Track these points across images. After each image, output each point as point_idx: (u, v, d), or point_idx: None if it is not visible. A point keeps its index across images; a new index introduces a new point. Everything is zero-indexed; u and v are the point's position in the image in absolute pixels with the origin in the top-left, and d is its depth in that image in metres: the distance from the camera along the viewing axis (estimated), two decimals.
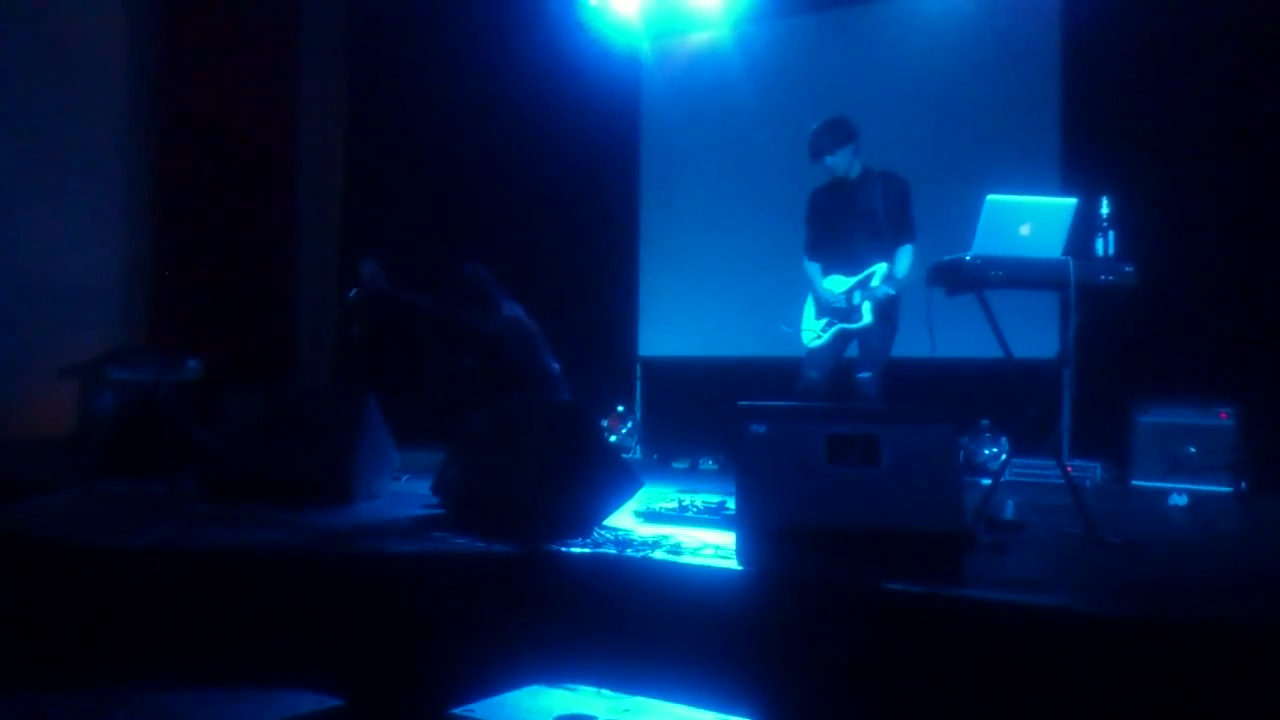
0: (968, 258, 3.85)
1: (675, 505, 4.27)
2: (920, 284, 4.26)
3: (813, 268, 5.42)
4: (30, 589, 3.69)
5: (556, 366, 5.99)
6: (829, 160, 5.18)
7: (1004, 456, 4.26)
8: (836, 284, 5.29)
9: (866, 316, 5.14)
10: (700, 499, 4.43)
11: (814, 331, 5.36)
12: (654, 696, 3.06)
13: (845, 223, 5.27)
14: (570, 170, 8.12)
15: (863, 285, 5.18)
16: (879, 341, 5.20)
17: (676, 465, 6.98)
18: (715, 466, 6.78)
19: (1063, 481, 4.11)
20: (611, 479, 3.99)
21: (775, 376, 5.53)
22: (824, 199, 5.40)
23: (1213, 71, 5.94)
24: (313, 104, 9.39)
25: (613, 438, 7.52)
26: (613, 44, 8.10)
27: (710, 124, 7.78)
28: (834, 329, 5.26)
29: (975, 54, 6.82)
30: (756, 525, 3.23)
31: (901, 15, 7.17)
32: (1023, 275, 3.89)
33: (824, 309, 5.32)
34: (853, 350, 5.31)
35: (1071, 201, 3.96)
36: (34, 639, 3.52)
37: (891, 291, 5.08)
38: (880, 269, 5.16)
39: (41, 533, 3.91)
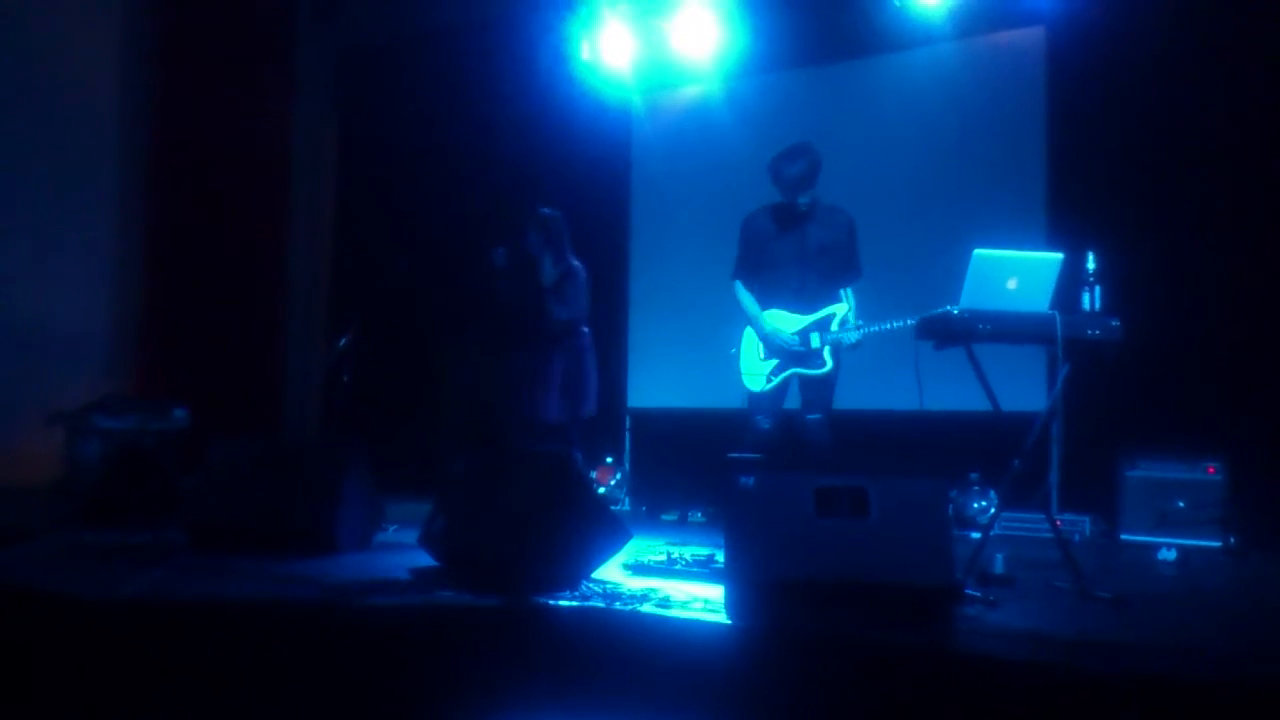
0: (955, 311, 3.86)
1: (664, 558, 4.25)
2: (904, 334, 4.27)
3: (748, 298, 5.16)
4: (10, 638, 3.64)
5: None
6: (802, 198, 4.99)
7: (993, 510, 4.25)
8: (783, 321, 5.06)
9: (829, 362, 4.97)
10: (689, 552, 4.41)
11: (762, 374, 5.08)
12: None
13: (796, 257, 5.05)
14: None
15: (821, 327, 4.99)
16: (829, 386, 5.03)
17: (665, 518, 6.96)
18: (704, 519, 6.75)
19: (1052, 535, 4.10)
20: (600, 531, 3.97)
21: None
22: (769, 226, 5.14)
23: (1198, 126, 6.02)
24: (304, 154, 9.44)
25: (601, 489, 7.49)
26: (604, 98, 8.17)
27: (700, 177, 7.84)
28: (787, 373, 5.04)
29: (961, 110, 6.90)
30: (746, 578, 3.21)
31: (888, 71, 7.26)
32: (1010, 329, 3.90)
33: (774, 350, 5.07)
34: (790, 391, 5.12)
35: (1058, 256, 3.99)
36: (13, 689, 3.47)
37: (859, 339, 4.91)
38: (839, 310, 5.00)
39: (24, 581, 3.87)
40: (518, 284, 6.05)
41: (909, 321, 4.76)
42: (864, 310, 5.18)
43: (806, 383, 5.07)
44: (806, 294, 5.05)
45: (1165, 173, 6.12)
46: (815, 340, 4.99)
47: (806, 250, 5.05)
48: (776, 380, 5.06)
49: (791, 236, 5.08)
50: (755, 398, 5.13)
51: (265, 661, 3.38)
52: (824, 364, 4.99)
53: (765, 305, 5.14)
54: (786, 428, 5.13)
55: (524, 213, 6.13)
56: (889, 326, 4.87)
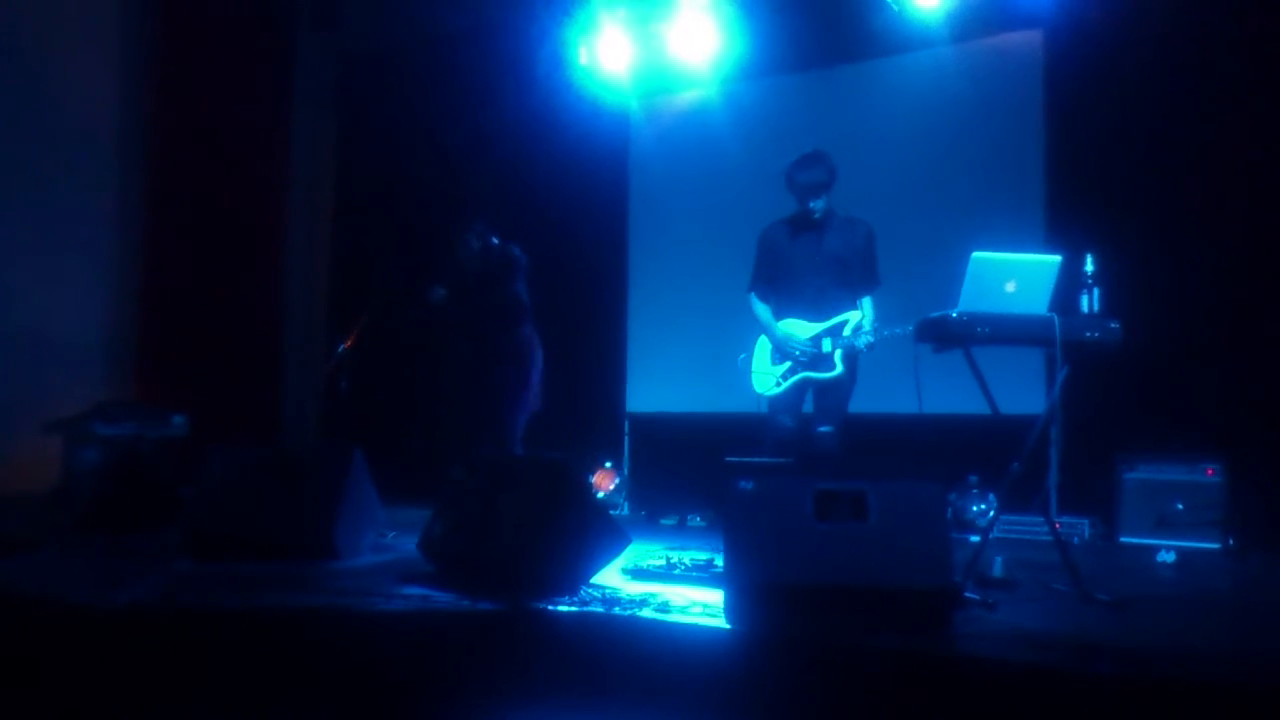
0: (954, 314, 3.86)
1: (663, 563, 4.24)
2: (906, 339, 4.27)
3: (763, 309, 5.21)
4: (9, 646, 3.63)
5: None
6: (814, 204, 5.01)
7: (992, 513, 4.24)
8: (798, 329, 5.08)
9: (839, 366, 4.95)
10: (688, 556, 4.40)
11: (772, 377, 5.12)
12: None
13: (811, 265, 5.06)
14: (559, 227, 8.16)
15: (834, 333, 4.99)
16: (841, 393, 5.02)
17: (664, 522, 6.95)
18: (703, 523, 6.75)
19: (1051, 538, 4.10)
20: (599, 536, 3.96)
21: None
22: (783, 237, 5.18)
23: (1196, 128, 6.02)
24: (302, 162, 9.45)
25: (600, 494, 7.49)
26: (602, 103, 8.17)
27: (698, 181, 7.85)
28: (797, 376, 5.04)
29: (960, 112, 6.91)
30: (744, 582, 3.21)
31: (886, 74, 7.27)
32: (1008, 332, 3.90)
33: (784, 354, 5.08)
34: (805, 401, 5.10)
35: (1056, 259, 3.99)
36: (11, 698, 3.47)
37: (873, 340, 4.89)
38: (853, 317, 5.00)
39: (22, 589, 3.86)
40: (471, 305, 6.11)
41: None
42: None
43: (819, 391, 5.07)
44: (822, 302, 5.06)
45: (1163, 175, 6.12)
46: (827, 344, 4.99)
47: (821, 258, 5.07)
48: (787, 383, 5.07)
49: (807, 245, 5.11)
50: (773, 400, 5.14)
51: (264, 668, 3.38)
52: (834, 367, 4.97)
53: (781, 315, 5.17)
54: (804, 434, 5.11)
55: (455, 233, 6.19)
56: (901, 331, 4.81)
